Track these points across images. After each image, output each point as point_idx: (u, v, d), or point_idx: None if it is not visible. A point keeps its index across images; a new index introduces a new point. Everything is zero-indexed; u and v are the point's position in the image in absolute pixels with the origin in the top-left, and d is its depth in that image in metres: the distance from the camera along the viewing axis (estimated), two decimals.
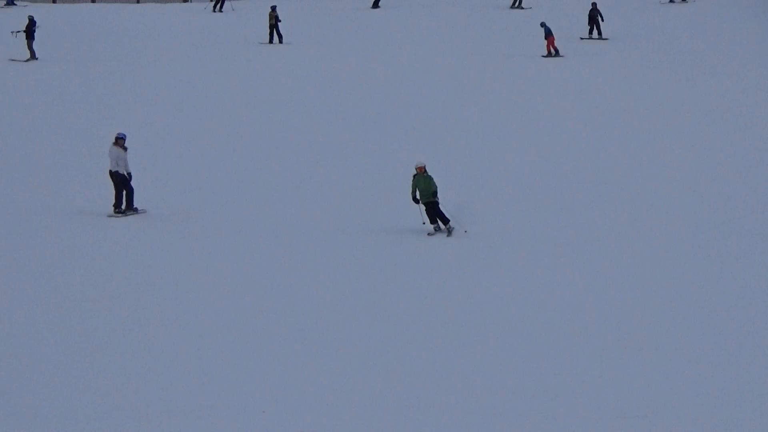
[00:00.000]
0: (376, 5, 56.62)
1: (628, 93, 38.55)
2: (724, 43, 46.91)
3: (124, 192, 25.16)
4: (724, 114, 35.42)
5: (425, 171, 24.69)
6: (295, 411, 14.90)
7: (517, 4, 56.06)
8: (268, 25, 48.83)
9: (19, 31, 46.42)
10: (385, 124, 33.82)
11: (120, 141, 25.14)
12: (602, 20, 48.61)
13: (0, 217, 24.60)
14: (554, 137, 32.64)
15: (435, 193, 24.61)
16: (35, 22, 46.18)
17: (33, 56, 45.84)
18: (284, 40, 48.45)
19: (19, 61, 45.25)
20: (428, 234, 24.28)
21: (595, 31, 48.68)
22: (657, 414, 15.12)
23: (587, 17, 48.98)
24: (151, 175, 27.45)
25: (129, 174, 25.08)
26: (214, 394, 15.43)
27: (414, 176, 24.77)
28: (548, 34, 45.93)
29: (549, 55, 45.82)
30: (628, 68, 42.96)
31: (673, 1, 55.90)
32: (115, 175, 25.08)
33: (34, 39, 46.09)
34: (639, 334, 18.08)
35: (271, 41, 48.68)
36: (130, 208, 25.24)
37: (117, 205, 25.14)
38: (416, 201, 24.67)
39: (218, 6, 56.36)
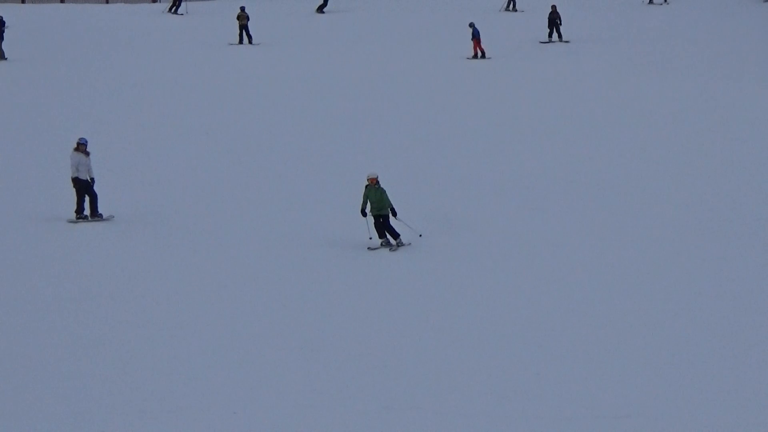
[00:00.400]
0: (321, 10, 56.35)
1: (609, 94, 38.51)
2: (706, 43, 47.04)
3: (87, 198, 24.84)
4: (710, 114, 35.47)
5: (377, 183, 23.91)
6: (281, 412, 14.91)
7: (511, 6, 55.85)
8: (238, 25, 48.72)
9: None
10: (358, 127, 33.76)
11: (81, 146, 24.70)
12: (560, 23, 48.63)
13: None
14: (533, 139, 32.63)
15: (388, 207, 23.72)
16: (4, 22, 45.96)
17: (2, 56, 45.67)
18: (254, 40, 48.36)
19: None
20: (368, 248, 23.47)
21: (555, 35, 48.73)
22: (646, 413, 15.16)
23: (547, 20, 49.02)
24: (119, 178, 27.34)
25: (92, 179, 24.76)
26: (196, 395, 15.41)
27: (366, 187, 23.95)
28: (475, 36, 45.99)
29: (475, 56, 45.87)
30: (608, 69, 42.84)
31: (652, 3, 56.06)
32: (76, 181, 24.77)
33: (2, 39, 45.92)
34: (629, 334, 18.14)
35: (240, 42, 48.59)
36: (95, 215, 24.87)
37: (79, 210, 24.76)
38: (363, 214, 23.75)
39: (174, 8, 55.75)
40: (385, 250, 23.28)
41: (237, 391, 15.50)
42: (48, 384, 15.66)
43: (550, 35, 48.64)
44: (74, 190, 24.84)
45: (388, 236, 23.94)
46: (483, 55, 45.86)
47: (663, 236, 23.77)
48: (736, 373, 16.61)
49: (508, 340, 17.85)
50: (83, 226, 24.23)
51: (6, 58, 45.48)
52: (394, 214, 23.97)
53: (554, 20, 48.56)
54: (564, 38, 48.48)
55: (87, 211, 24.90)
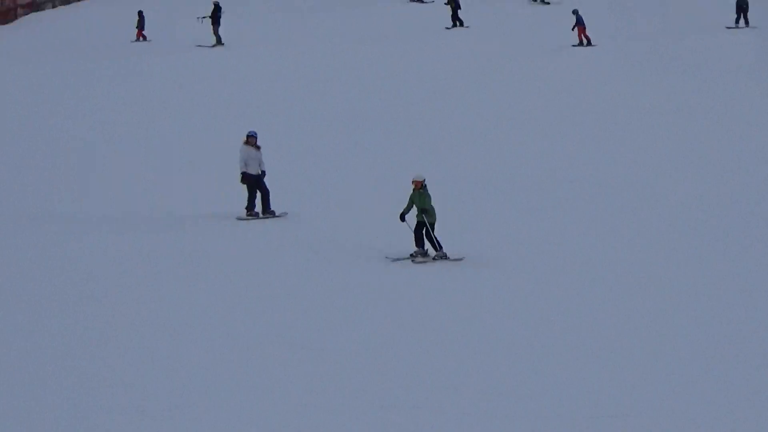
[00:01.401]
0: None
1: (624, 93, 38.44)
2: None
3: (259, 193, 24.48)
4: (712, 112, 35.51)
5: (423, 187, 22.19)
6: (281, 412, 14.91)
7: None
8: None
9: (204, 17, 46.91)
10: (375, 125, 33.76)
11: (251, 139, 24.38)
12: (746, 8, 47.90)
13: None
14: (542, 138, 32.66)
15: (425, 212, 21.98)
16: (220, 8, 46.65)
17: (219, 42, 46.21)
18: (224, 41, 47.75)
19: (206, 46, 45.65)
20: (391, 259, 22.01)
21: (742, 20, 47.89)
22: (646, 414, 15.16)
23: (735, 6, 48.28)
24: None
25: (263, 172, 24.37)
26: (196, 394, 15.42)
27: (414, 190, 22.12)
28: (579, 23, 45.79)
29: (581, 44, 45.70)
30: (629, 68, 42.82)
31: None
32: (245, 176, 24.39)
33: (219, 25, 46.51)
34: (630, 334, 18.12)
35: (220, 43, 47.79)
36: (266, 211, 24.70)
37: (249, 207, 24.53)
38: (402, 218, 22.21)
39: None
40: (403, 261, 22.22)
41: (237, 391, 15.50)
42: (49, 383, 15.70)
43: (737, 21, 47.85)
44: (244, 186, 24.48)
45: (428, 246, 22.28)
46: (589, 42, 45.75)
47: (665, 236, 23.78)
48: (737, 373, 16.60)
49: (509, 340, 17.85)
50: (254, 223, 23.96)
51: (223, 44, 45.97)
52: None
53: (741, 6, 47.73)
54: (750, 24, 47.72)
55: (258, 208, 24.55)
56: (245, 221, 24.48)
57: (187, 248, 22.84)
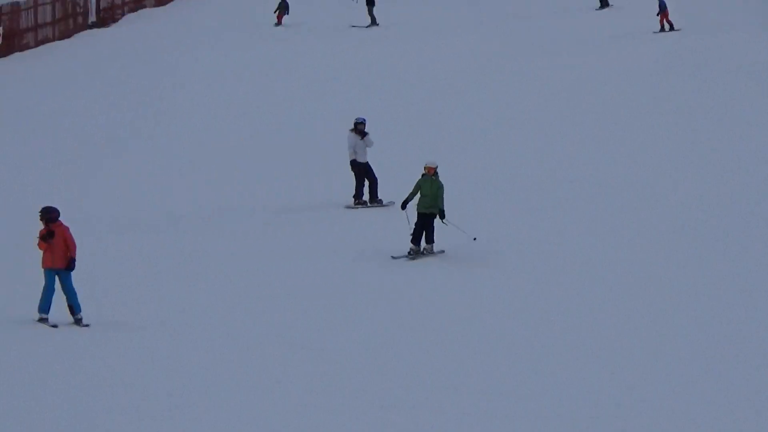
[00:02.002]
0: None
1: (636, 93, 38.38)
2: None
3: (367, 182, 24.29)
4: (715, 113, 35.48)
5: (436, 174, 21.49)
6: (281, 412, 14.91)
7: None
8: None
9: None
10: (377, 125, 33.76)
11: (359, 126, 24.18)
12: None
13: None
14: (543, 137, 32.65)
15: (439, 209, 21.15)
16: None
17: (374, 22, 46.32)
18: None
19: (361, 26, 45.82)
20: (392, 257, 21.47)
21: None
22: (643, 414, 15.19)
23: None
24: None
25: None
26: (196, 394, 15.42)
27: (422, 176, 21.49)
28: (662, 9, 45.55)
29: (662, 30, 45.47)
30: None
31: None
32: (354, 164, 24.21)
33: (374, 5, 46.64)
34: (632, 335, 18.12)
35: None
36: (374, 200, 24.44)
37: (357, 195, 24.34)
38: (404, 206, 21.46)
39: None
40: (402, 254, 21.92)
41: (237, 391, 15.51)
42: (48, 382, 15.69)
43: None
44: (352, 173, 24.30)
45: (423, 241, 21.59)
46: (672, 27, 45.56)
47: (665, 236, 23.77)
48: (737, 373, 16.61)
49: (509, 340, 17.85)
50: (358, 212, 23.98)
51: (378, 24, 47.87)
52: (442, 216, 21.52)
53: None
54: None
55: (366, 197, 24.42)
56: (353, 209, 24.48)
57: (187, 248, 22.85)
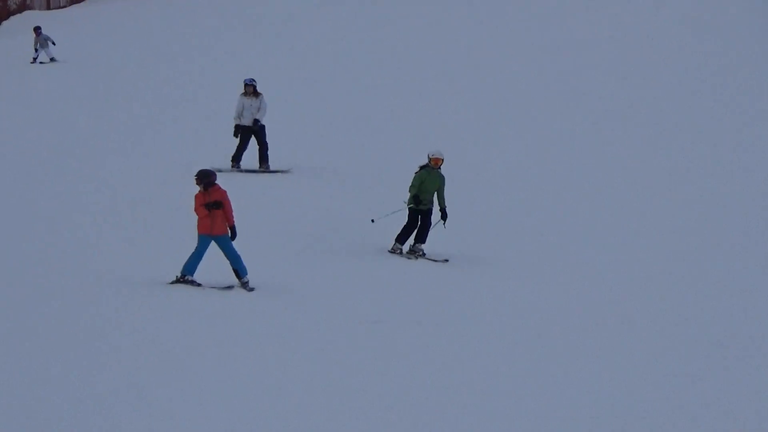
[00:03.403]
0: None
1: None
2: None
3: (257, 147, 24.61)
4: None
5: (440, 166, 20.30)
6: (281, 412, 14.92)
7: None
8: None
9: None
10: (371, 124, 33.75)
11: (248, 87, 24.47)
12: None
13: None
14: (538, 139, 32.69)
15: (442, 206, 20.04)
16: None
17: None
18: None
19: None
20: (389, 251, 20.69)
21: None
22: (644, 416, 15.22)
23: None
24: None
25: (255, 122, 24.54)
26: (196, 394, 15.43)
27: (423, 169, 20.16)
28: None
29: None
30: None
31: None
32: (237, 128, 24.73)
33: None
34: (634, 336, 18.20)
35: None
36: (263, 164, 24.80)
37: (235, 158, 24.86)
38: (416, 202, 20.06)
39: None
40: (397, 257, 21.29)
41: (237, 391, 15.50)
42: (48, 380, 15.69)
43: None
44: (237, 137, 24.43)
45: (414, 240, 20.56)
46: None
47: (668, 238, 23.79)
48: (738, 373, 16.63)
49: (509, 340, 17.86)
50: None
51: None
52: (444, 218, 20.40)
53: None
54: None
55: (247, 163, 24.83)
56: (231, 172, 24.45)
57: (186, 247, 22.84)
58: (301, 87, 38.64)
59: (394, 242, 21.01)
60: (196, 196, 17.93)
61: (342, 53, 44.41)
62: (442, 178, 20.37)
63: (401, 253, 20.89)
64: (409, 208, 20.54)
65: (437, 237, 21.90)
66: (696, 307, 19.54)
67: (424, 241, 20.73)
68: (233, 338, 17.48)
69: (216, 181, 17.86)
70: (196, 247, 18.09)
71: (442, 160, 20.45)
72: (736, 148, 31.40)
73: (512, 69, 42.40)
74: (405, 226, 20.81)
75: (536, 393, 15.72)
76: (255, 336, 17.66)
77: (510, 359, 16.99)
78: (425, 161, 20.75)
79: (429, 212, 20.64)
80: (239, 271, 18.04)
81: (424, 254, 20.94)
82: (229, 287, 18.18)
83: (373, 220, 21.05)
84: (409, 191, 20.54)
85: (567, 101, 37.46)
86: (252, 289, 18.13)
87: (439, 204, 20.54)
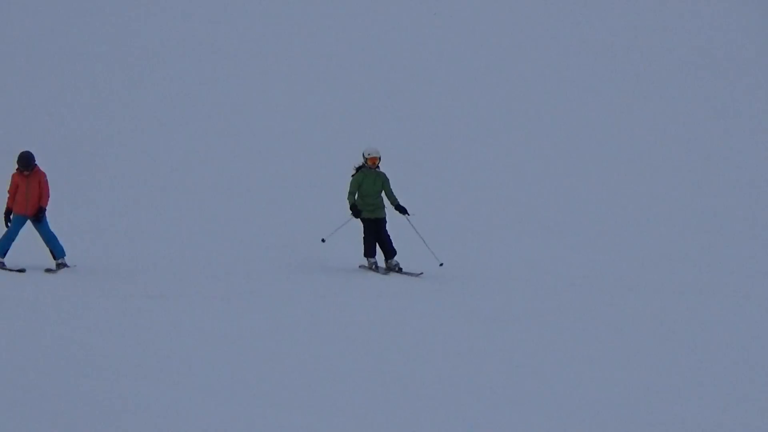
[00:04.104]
0: None
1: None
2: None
3: None
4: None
5: (378, 165, 17.88)
6: (282, 412, 14.90)
7: None
8: None
9: None
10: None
11: None
12: None
13: None
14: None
15: (396, 205, 17.78)
16: None
17: None
18: None
19: None
20: (360, 266, 18.47)
21: None
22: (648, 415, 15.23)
23: None
24: None
25: None
26: (196, 394, 15.42)
27: (358, 170, 17.77)
28: None
29: None
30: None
31: None
32: None
33: None
34: (635, 338, 18.24)
35: None
36: None
37: None
38: (356, 211, 17.72)
39: None
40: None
41: (236, 391, 15.48)
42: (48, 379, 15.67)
43: None
44: None
45: (385, 257, 18.28)
46: None
47: (667, 240, 23.83)
48: (738, 374, 16.65)
49: (509, 342, 17.88)
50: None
51: None
52: (403, 212, 18.19)
53: None
54: None
55: None
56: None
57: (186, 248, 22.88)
58: (301, 88, 38.65)
59: (366, 259, 18.84)
60: (13, 176, 18.53)
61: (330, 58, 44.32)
62: (382, 177, 18.06)
63: (376, 267, 18.80)
64: (361, 218, 18.34)
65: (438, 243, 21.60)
66: (697, 310, 19.57)
67: (393, 254, 18.57)
68: (233, 338, 17.52)
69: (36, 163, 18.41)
70: (10, 228, 18.40)
71: (379, 158, 18.09)
72: (741, 164, 31.51)
73: (513, 76, 42.50)
74: (364, 237, 18.65)
75: (537, 393, 15.72)
76: (255, 335, 17.67)
77: (511, 358, 17.05)
78: (360, 162, 18.59)
79: (382, 221, 18.32)
80: (54, 251, 18.42)
81: (400, 269, 18.86)
82: (50, 270, 18.61)
83: (323, 240, 19.17)
84: (348, 199, 18.34)
85: (565, 108, 37.58)
86: (62, 267, 18.33)
87: (392, 204, 18.39)
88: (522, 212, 26.55)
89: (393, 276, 19.24)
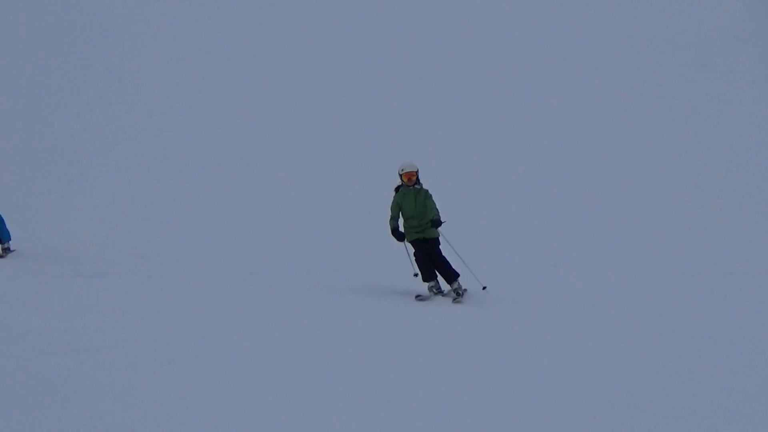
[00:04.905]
0: None
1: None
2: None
3: None
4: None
5: (417, 181, 16.12)
6: (281, 412, 14.89)
7: None
8: None
9: None
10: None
11: None
12: None
13: None
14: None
15: (435, 223, 15.80)
16: None
17: None
18: None
19: None
20: (417, 297, 16.77)
21: None
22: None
23: None
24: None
25: None
26: (195, 394, 15.40)
27: (397, 190, 16.23)
28: None
29: None
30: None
31: None
32: None
33: None
34: (637, 339, 18.21)
35: None
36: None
37: None
38: (398, 235, 16.10)
39: None
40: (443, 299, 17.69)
41: (236, 391, 15.48)
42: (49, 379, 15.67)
43: None
44: None
45: (439, 277, 16.68)
46: None
47: (665, 240, 23.82)
48: (738, 374, 16.62)
49: (509, 341, 17.87)
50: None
51: None
52: (438, 224, 16.13)
53: None
54: None
55: None
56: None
57: (186, 249, 22.90)
58: (300, 90, 38.66)
59: (427, 284, 16.89)
60: None
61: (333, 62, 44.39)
62: (423, 194, 16.39)
63: (438, 291, 17.04)
64: (410, 241, 16.62)
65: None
66: (698, 310, 19.56)
67: (455, 276, 16.82)
68: (232, 338, 17.49)
69: None
70: None
71: (416, 172, 16.32)
72: (742, 163, 31.50)
73: (513, 78, 42.50)
74: (416, 260, 16.85)
75: (537, 393, 15.72)
76: (255, 335, 17.66)
77: (511, 358, 17.02)
78: (398, 182, 16.95)
79: (433, 241, 16.60)
80: (1, 236, 18.65)
81: (465, 290, 17.14)
82: None
83: (416, 274, 17.09)
84: (389, 224, 16.66)
85: (567, 108, 37.56)
86: (9, 250, 18.50)
87: (428, 217, 16.51)
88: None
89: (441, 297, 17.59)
